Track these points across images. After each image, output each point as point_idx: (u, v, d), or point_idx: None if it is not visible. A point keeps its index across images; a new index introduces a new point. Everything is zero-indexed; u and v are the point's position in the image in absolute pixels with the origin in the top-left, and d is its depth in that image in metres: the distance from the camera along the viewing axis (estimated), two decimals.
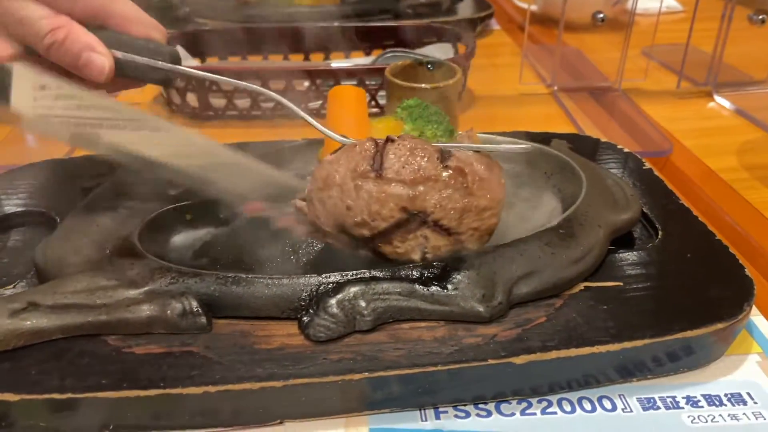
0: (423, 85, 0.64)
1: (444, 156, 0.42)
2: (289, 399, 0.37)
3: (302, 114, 0.46)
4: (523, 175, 0.55)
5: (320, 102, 0.77)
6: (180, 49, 0.85)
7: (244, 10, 1.01)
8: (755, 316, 0.46)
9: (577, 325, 0.40)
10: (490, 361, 0.38)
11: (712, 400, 0.40)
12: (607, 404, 0.40)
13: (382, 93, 0.76)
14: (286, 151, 0.59)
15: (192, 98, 0.78)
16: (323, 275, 0.41)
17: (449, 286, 0.41)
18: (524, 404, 0.39)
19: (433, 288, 0.41)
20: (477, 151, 0.43)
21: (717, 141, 0.74)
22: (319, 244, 0.49)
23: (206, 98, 0.77)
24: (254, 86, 0.49)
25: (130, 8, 0.45)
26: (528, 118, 0.82)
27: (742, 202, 0.61)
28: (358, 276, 0.41)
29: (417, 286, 0.41)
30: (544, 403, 0.40)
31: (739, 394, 0.40)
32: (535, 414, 0.39)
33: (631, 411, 0.39)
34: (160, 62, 0.45)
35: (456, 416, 0.39)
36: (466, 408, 0.39)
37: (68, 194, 0.53)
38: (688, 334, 0.40)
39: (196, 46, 0.88)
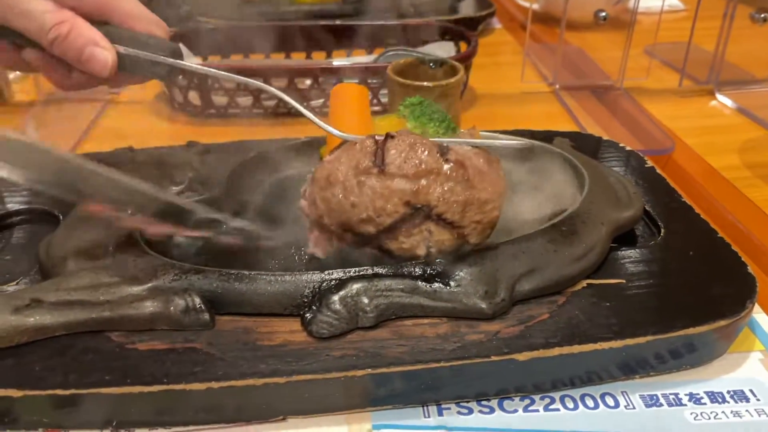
0: (425, 83, 0.64)
1: (443, 150, 0.42)
2: (291, 395, 0.37)
3: (303, 110, 0.46)
4: (524, 173, 0.55)
5: (322, 100, 0.77)
6: (182, 48, 0.85)
7: (246, 9, 1.01)
8: (757, 314, 0.46)
9: (579, 322, 0.40)
10: (493, 358, 0.38)
11: (715, 397, 0.40)
12: (610, 401, 0.40)
13: (384, 91, 0.76)
14: (288, 150, 0.59)
15: (194, 96, 0.78)
16: (326, 272, 0.41)
17: (452, 283, 0.41)
18: (527, 401, 0.40)
19: (436, 285, 0.41)
20: (475, 147, 0.43)
21: (719, 139, 0.74)
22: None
23: (208, 96, 0.77)
24: (254, 81, 0.49)
25: (134, 5, 0.45)
26: (530, 116, 0.82)
27: (744, 200, 0.61)
28: (361, 273, 0.41)
29: (419, 282, 0.41)
30: (547, 400, 0.40)
31: (742, 391, 0.40)
32: (537, 411, 0.39)
33: (634, 408, 0.39)
34: (162, 57, 0.45)
35: (459, 413, 0.39)
36: (469, 404, 0.39)
37: None
38: (691, 331, 0.40)
39: (198, 45, 0.88)
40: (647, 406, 0.39)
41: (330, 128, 0.46)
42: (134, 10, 0.45)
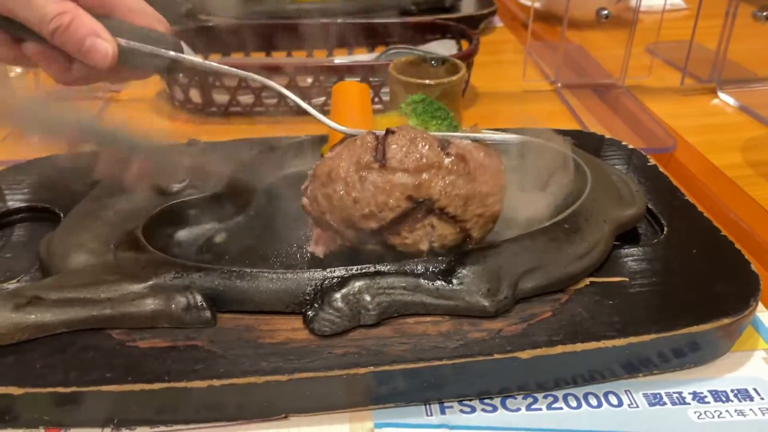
0: (427, 81, 0.64)
1: (444, 144, 0.42)
2: (293, 393, 0.37)
3: (300, 102, 0.46)
4: (527, 171, 0.55)
5: (323, 98, 0.77)
6: (183, 45, 0.85)
7: (247, 7, 1.01)
8: (761, 313, 0.45)
9: (582, 320, 0.40)
10: (496, 356, 0.38)
11: (719, 396, 0.40)
12: (613, 399, 0.39)
13: (385, 90, 0.76)
14: (289, 148, 0.59)
15: (195, 94, 0.77)
16: (328, 269, 0.41)
17: (454, 281, 0.40)
18: (530, 399, 0.39)
19: (438, 282, 0.40)
20: (476, 141, 0.43)
21: (721, 138, 0.74)
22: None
23: (209, 94, 0.77)
24: (253, 75, 0.49)
25: (135, 0, 0.45)
26: (532, 114, 0.81)
27: (746, 198, 0.61)
28: (363, 270, 0.41)
29: (422, 280, 0.40)
30: (550, 398, 0.39)
31: (746, 390, 0.40)
32: (540, 409, 0.39)
33: (637, 406, 0.39)
34: (162, 50, 0.45)
35: (461, 411, 0.39)
36: (472, 403, 0.39)
37: (72, 189, 0.53)
38: (694, 329, 0.39)
39: (199, 43, 0.88)
40: (651, 404, 0.39)
41: (331, 122, 0.46)
42: (135, 5, 0.45)
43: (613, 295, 0.42)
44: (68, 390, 0.36)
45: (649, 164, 0.59)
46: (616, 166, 0.57)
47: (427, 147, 0.41)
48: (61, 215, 0.50)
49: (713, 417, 0.38)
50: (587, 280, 0.43)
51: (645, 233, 0.51)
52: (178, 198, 0.51)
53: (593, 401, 0.39)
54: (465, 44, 0.90)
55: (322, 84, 0.77)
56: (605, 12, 0.89)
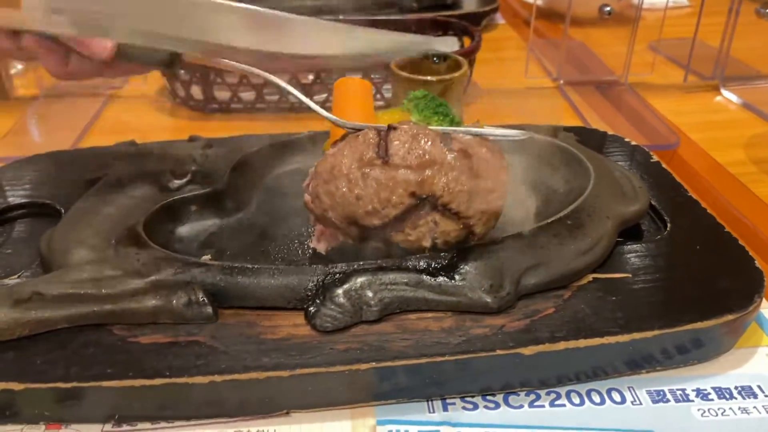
0: (429, 78, 0.63)
1: (447, 140, 0.42)
2: (295, 389, 0.37)
3: (303, 98, 0.46)
4: (530, 167, 0.55)
5: (325, 95, 0.77)
6: None
7: (249, 4, 1.00)
8: (765, 309, 0.45)
9: (585, 316, 0.40)
10: (498, 352, 0.37)
11: (722, 393, 0.39)
12: (617, 396, 0.39)
13: (387, 86, 0.76)
14: (291, 144, 0.59)
15: (196, 91, 0.77)
16: (329, 265, 0.41)
17: (456, 277, 0.40)
18: (532, 396, 0.39)
19: (441, 278, 0.40)
20: (478, 137, 0.43)
21: (724, 135, 0.74)
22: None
23: (210, 91, 0.77)
24: (254, 69, 0.48)
25: None
26: (534, 111, 0.81)
27: (750, 195, 0.61)
28: (365, 266, 0.41)
29: (424, 276, 0.40)
30: (553, 395, 0.39)
31: (750, 387, 0.40)
32: (543, 406, 0.39)
33: (641, 404, 0.39)
34: None
35: (464, 408, 0.38)
36: (474, 399, 0.39)
37: (73, 185, 0.53)
38: (698, 325, 0.39)
39: None
40: (654, 401, 0.39)
41: (331, 116, 0.45)
42: None
43: (616, 291, 0.42)
44: (69, 386, 0.36)
45: (651, 161, 0.58)
46: (619, 163, 0.57)
47: (429, 143, 0.41)
48: (62, 211, 0.50)
49: (717, 415, 0.38)
50: (590, 277, 0.43)
51: (648, 229, 0.50)
52: (179, 194, 0.51)
53: (596, 398, 0.39)
54: (467, 41, 0.89)
55: (323, 81, 0.76)
56: (608, 9, 0.89)
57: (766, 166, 0.66)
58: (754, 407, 0.39)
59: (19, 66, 0.86)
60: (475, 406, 0.39)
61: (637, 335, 0.38)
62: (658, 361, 0.40)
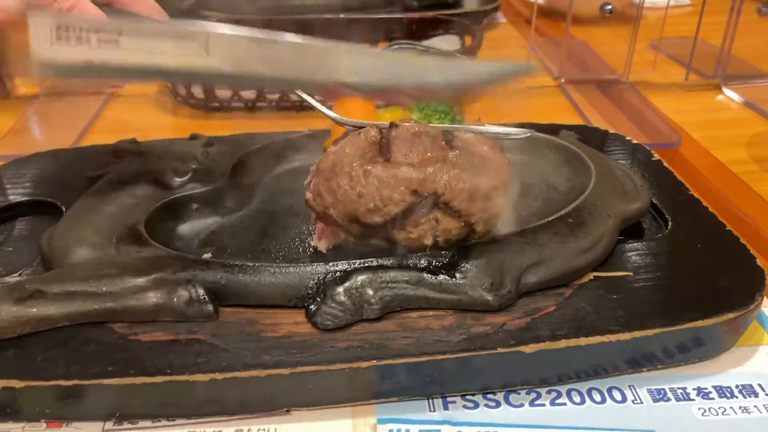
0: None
1: (448, 138, 0.41)
2: (296, 387, 0.37)
3: (305, 95, 0.46)
4: (531, 165, 0.55)
5: None
6: None
7: (250, 2, 1.00)
8: (766, 307, 0.45)
9: (586, 315, 0.40)
10: (499, 350, 0.37)
11: (723, 392, 0.39)
12: (617, 395, 0.39)
13: None
14: (291, 143, 0.59)
15: (197, 89, 0.77)
16: (330, 263, 0.41)
17: (457, 275, 0.40)
18: (533, 395, 0.39)
19: (441, 276, 0.40)
20: (480, 135, 0.43)
21: (726, 133, 0.74)
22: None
23: (211, 89, 0.77)
24: None
25: None
26: (535, 110, 0.81)
27: (751, 194, 0.61)
28: (366, 264, 0.41)
29: (425, 274, 0.40)
30: (554, 394, 0.39)
31: (751, 386, 0.40)
32: (544, 405, 0.39)
33: (641, 402, 0.39)
34: None
35: (464, 406, 0.38)
36: (475, 398, 0.39)
37: (74, 183, 0.53)
38: (699, 323, 0.39)
39: None
40: (655, 400, 0.39)
41: (333, 113, 0.45)
42: None
43: (618, 289, 0.42)
44: (70, 383, 0.35)
45: (653, 159, 0.58)
46: (620, 161, 0.57)
47: (431, 141, 0.41)
48: (63, 209, 0.50)
49: (717, 414, 0.38)
50: (591, 275, 0.43)
51: (649, 228, 0.50)
52: (180, 192, 0.51)
53: (597, 396, 0.39)
54: (468, 40, 0.89)
55: None
56: (609, 7, 0.89)
57: (767, 164, 0.66)
58: (755, 406, 0.38)
59: None
60: (476, 405, 0.38)
61: (638, 333, 0.38)
62: (659, 359, 0.40)
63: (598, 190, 0.48)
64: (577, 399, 0.39)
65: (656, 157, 0.59)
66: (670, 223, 0.49)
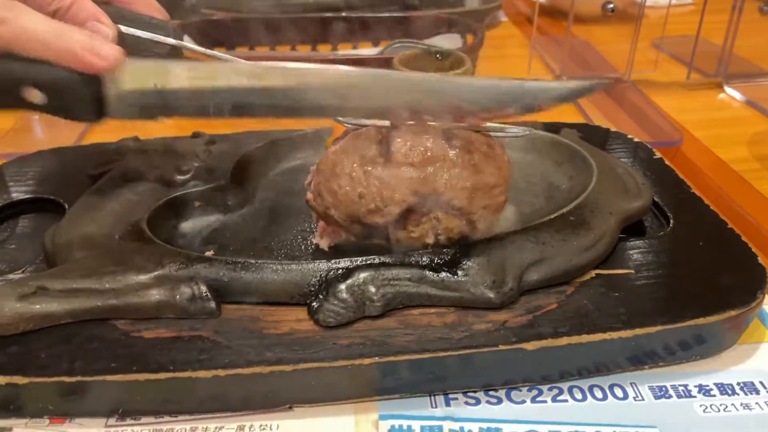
0: (432, 74, 0.63)
1: (448, 136, 0.42)
2: (298, 384, 0.37)
3: None
4: (533, 163, 0.55)
5: None
6: (187, 39, 0.85)
7: (251, 1, 1.01)
8: None
9: (588, 312, 0.40)
10: (501, 347, 0.37)
11: (725, 389, 0.39)
12: (619, 392, 0.39)
13: None
14: (294, 141, 0.59)
15: None
16: (332, 261, 0.41)
17: (459, 272, 0.40)
18: (535, 392, 0.39)
19: (443, 274, 0.40)
20: (479, 132, 0.43)
21: (727, 132, 0.74)
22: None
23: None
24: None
25: None
26: None
27: (753, 192, 0.61)
28: (368, 262, 0.41)
29: (427, 272, 0.40)
30: (555, 391, 0.39)
31: (752, 383, 0.40)
32: (545, 401, 0.39)
33: (643, 399, 0.39)
34: (162, 37, 0.44)
35: (466, 403, 0.38)
36: (477, 395, 0.39)
37: (76, 181, 0.53)
38: (701, 321, 0.39)
39: (203, 37, 0.88)
40: (656, 397, 0.39)
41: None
42: None
43: (619, 287, 0.42)
44: (73, 380, 0.36)
45: (654, 157, 0.58)
46: (622, 159, 0.57)
47: (431, 140, 0.41)
48: (66, 207, 0.50)
49: (719, 411, 0.38)
50: (593, 273, 0.43)
51: (651, 226, 0.50)
52: (182, 190, 0.51)
53: (598, 394, 0.39)
54: (470, 38, 0.90)
55: None
56: (611, 6, 0.89)
57: None
58: (756, 403, 0.39)
59: None
60: (478, 401, 0.39)
61: (639, 331, 0.38)
62: (661, 357, 0.40)
63: (600, 188, 0.48)
64: (579, 396, 0.39)
65: (658, 155, 0.59)
66: (671, 221, 0.49)
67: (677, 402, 0.39)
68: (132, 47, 0.44)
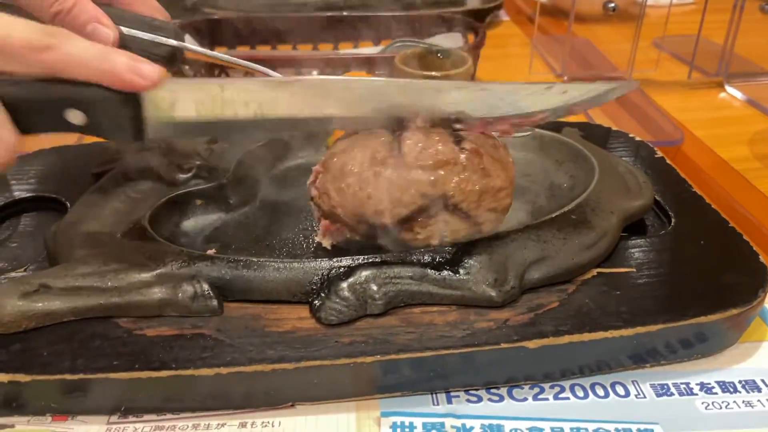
0: (433, 73, 0.63)
1: (458, 139, 0.42)
2: (300, 381, 0.37)
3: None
4: (535, 162, 0.55)
5: None
6: (188, 39, 0.85)
7: (253, 0, 1.01)
8: None
9: (589, 311, 0.40)
10: (503, 345, 0.37)
11: (726, 387, 0.40)
12: (620, 390, 0.39)
13: None
14: (295, 138, 0.59)
15: None
16: (334, 259, 0.41)
17: (461, 271, 0.40)
18: (536, 389, 0.39)
19: (445, 272, 0.40)
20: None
21: (728, 131, 0.74)
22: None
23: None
24: (254, 64, 0.48)
25: None
26: None
27: (754, 191, 0.61)
28: (370, 260, 0.41)
29: (428, 270, 0.40)
30: (557, 389, 0.39)
31: (754, 381, 0.40)
32: (547, 399, 0.39)
33: (645, 397, 0.39)
34: (164, 38, 0.44)
35: (468, 400, 0.39)
36: (478, 392, 0.39)
37: (78, 179, 0.53)
38: (702, 320, 0.39)
39: (205, 36, 0.88)
40: (658, 395, 0.39)
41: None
42: None
43: (621, 285, 0.42)
44: (75, 377, 0.36)
45: (656, 156, 0.58)
46: (623, 158, 0.57)
47: (441, 143, 0.41)
48: (68, 205, 0.50)
49: (721, 408, 0.38)
50: (594, 271, 0.43)
51: (652, 224, 0.50)
52: (184, 188, 0.51)
53: (600, 391, 0.39)
54: (471, 37, 0.90)
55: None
56: (612, 5, 0.89)
57: None
58: (758, 401, 0.39)
59: None
60: (479, 399, 0.39)
61: (641, 329, 0.39)
62: (662, 355, 0.40)
63: (601, 187, 0.48)
64: (581, 393, 0.39)
65: (659, 154, 0.59)
66: (673, 220, 0.49)
67: (679, 399, 0.39)
68: (132, 49, 0.44)
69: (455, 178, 0.40)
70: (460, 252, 0.41)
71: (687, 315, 0.39)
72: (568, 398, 0.39)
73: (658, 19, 0.97)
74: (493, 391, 0.39)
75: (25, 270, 0.45)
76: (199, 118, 0.40)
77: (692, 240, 0.46)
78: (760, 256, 0.44)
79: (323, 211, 0.44)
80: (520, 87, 0.42)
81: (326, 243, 0.46)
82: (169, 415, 0.37)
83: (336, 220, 0.44)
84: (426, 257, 0.41)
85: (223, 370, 0.36)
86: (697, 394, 0.39)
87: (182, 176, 0.52)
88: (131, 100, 0.39)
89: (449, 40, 0.90)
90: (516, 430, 0.37)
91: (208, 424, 0.37)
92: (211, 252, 0.44)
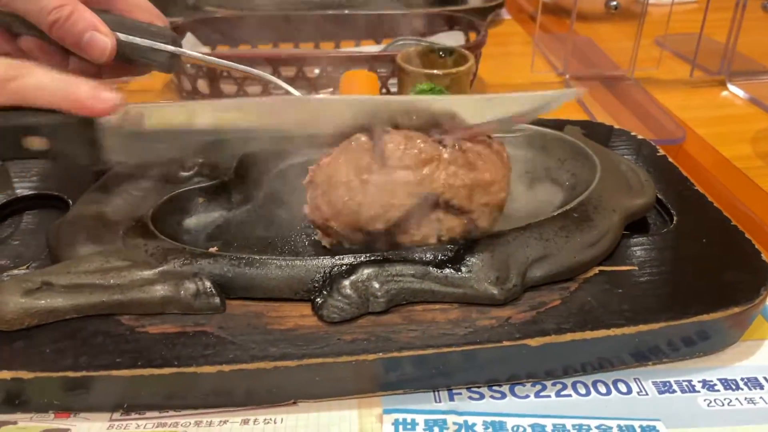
0: (435, 71, 0.63)
1: (439, 137, 0.41)
2: (302, 379, 0.37)
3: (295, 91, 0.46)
4: (536, 160, 0.55)
5: (331, 89, 0.77)
6: (190, 37, 0.85)
7: None
8: None
9: (591, 309, 0.40)
10: (505, 343, 0.37)
11: (729, 384, 0.40)
12: (623, 387, 0.39)
13: (392, 81, 0.76)
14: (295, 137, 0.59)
15: (203, 85, 0.77)
16: (337, 257, 0.41)
17: (463, 269, 0.40)
18: (538, 386, 0.39)
19: (447, 270, 0.40)
20: None
21: (730, 129, 0.74)
22: None
23: (217, 84, 0.77)
24: (245, 67, 0.49)
25: None
26: None
27: (756, 189, 0.61)
28: (372, 258, 0.41)
29: (430, 268, 0.40)
30: (559, 386, 0.39)
31: (756, 379, 0.40)
32: (549, 396, 0.39)
33: (647, 394, 0.39)
34: (161, 44, 0.45)
35: (470, 398, 0.39)
36: (480, 390, 0.39)
37: (80, 177, 0.53)
38: (704, 317, 0.39)
39: (206, 35, 0.88)
40: (660, 392, 0.39)
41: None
42: (135, 0, 0.45)
43: (623, 283, 0.42)
44: (78, 375, 0.36)
45: (658, 154, 0.58)
46: (625, 157, 0.57)
47: (423, 142, 0.41)
48: (70, 202, 0.50)
49: (723, 405, 0.38)
50: (596, 269, 0.43)
51: (654, 223, 0.50)
52: (186, 185, 0.51)
53: (602, 389, 0.39)
54: (473, 36, 0.90)
55: (329, 75, 0.76)
56: (614, 4, 0.89)
57: None
58: (761, 398, 0.39)
59: None
60: (482, 396, 0.39)
61: (643, 327, 0.39)
62: (664, 353, 0.40)
63: (603, 185, 0.48)
64: (583, 391, 0.39)
65: (661, 152, 0.59)
66: (675, 218, 0.49)
67: (681, 396, 0.39)
68: (130, 55, 0.45)
69: (442, 174, 0.40)
70: (462, 250, 0.41)
71: (689, 313, 0.39)
72: (570, 395, 0.39)
73: (660, 17, 0.97)
74: (495, 388, 0.39)
75: (27, 267, 0.45)
76: (155, 139, 0.42)
77: (694, 238, 0.46)
78: (762, 255, 0.44)
79: (318, 225, 0.44)
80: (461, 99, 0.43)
81: (327, 242, 0.46)
82: (171, 413, 0.37)
83: (332, 234, 0.44)
84: (428, 255, 0.41)
85: (226, 368, 0.36)
86: (699, 392, 0.39)
87: (184, 174, 0.52)
88: (90, 124, 0.40)
89: (451, 39, 0.90)
90: (518, 426, 0.37)
91: (211, 422, 0.37)
92: (213, 249, 0.44)
